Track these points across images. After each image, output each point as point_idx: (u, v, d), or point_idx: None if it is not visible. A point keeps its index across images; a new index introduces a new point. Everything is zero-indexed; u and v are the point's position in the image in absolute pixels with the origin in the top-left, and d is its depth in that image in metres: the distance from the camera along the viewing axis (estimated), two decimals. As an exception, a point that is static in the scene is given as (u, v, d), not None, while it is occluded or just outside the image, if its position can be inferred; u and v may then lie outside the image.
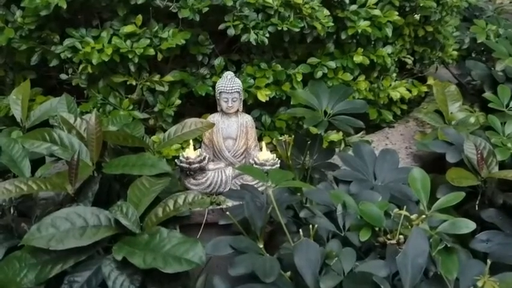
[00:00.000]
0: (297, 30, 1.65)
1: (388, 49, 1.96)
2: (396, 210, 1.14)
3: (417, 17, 2.05)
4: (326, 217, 1.20)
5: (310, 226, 1.16)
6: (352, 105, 1.57)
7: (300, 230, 1.16)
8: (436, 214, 1.14)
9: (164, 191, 1.18)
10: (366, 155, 1.41)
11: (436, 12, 2.01)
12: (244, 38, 1.65)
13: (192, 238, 1.04)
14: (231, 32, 1.63)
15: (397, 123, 2.17)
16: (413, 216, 1.14)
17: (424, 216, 1.13)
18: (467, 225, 1.08)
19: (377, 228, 1.12)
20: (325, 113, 1.58)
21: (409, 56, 2.09)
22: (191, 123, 1.39)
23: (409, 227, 1.13)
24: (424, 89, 2.14)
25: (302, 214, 1.26)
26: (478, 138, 1.47)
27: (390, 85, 2.02)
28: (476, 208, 1.40)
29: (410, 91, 2.09)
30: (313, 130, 1.57)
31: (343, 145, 1.94)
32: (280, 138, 1.48)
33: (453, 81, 2.62)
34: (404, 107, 2.18)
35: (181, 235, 1.05)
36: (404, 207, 1.14)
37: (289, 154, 1.50)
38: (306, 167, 1.65)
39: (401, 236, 1.11)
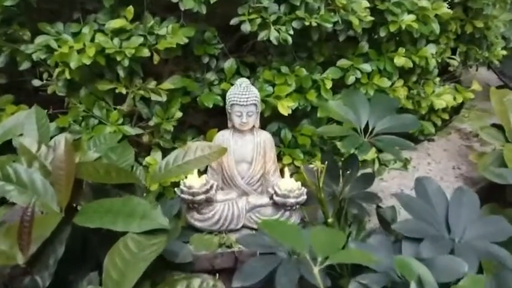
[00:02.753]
0: (329, 26, 1.31)
1: (432, 48, 1.62)
2: None
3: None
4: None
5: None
6: (400, 121, 1.24)
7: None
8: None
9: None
10: (434, 196, 1.07)
11: (488, 4, 1.67)
12: (262, 35, 1.31)
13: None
14: (246, 28, 1.30)
15: (437, 136, 1.84)
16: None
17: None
18: None
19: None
20: (365, 130, 1.24)
21: (454, 57, 1.75)
22: (196, 148, 1.05)
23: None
24: (470, 95, 1.80)
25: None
26: None
27: (433, 92, 1.68)
28: None
29: (454, 98, 1.76)
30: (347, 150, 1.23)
31: (377, 164, 1.62)
32: (311, 165, 1.15)
33: (492, 83, 2.30)
34: (446, 116, 1.85)
35: None
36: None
37: (321, 185, 1.17)
38: (340, 198, 1.31)
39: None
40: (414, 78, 1.68)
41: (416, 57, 1.56)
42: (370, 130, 1.23)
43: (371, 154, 1.54)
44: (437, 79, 1.71)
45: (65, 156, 0.90)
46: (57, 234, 0.86)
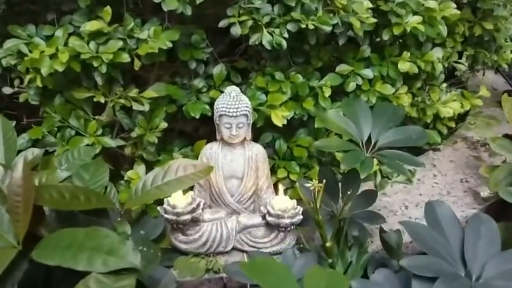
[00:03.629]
0: (328, 28, 1.19)
1: (438, 52, 1.50)
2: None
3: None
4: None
5: None
6: (405, 134, 1.12)
7: None
8: None
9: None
10: (447, 224, 0.95)
11: (499, 5, 1.55)
12: (254, 39, 1.19)
13: None
14: (236, 31, 1.18)
15: (442, 145, 1.72)
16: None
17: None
18: None
19: None
20: (367, 143, 1.13)
21: (462, 61, 1.63)
22: (178, 167, 0.93)
23: None
24: (479, 102, 1.69)
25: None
26: None
27: (439, 99, 1.57)
28: None
29: (461, 105, 1.64)
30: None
31: (379, 177, 1.50)
32: (308, 184, 1.03)
33: (499, 88, 2.19)
34: (452, 124, 1.73)
35: None
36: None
37: (318, 205, 1.05)
38: (339, 218, 1.20)
39: None
40: (419, 84, 1.57)
41: (421, 62, 1.44)
42: (372, 144, 1.12)
43: (374, 167, 1.42)
44: (444, 85, 1.59)
45: (23, 179, 0.78)
46: (12, 271, 0.74)
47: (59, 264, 0.71)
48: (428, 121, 1.57)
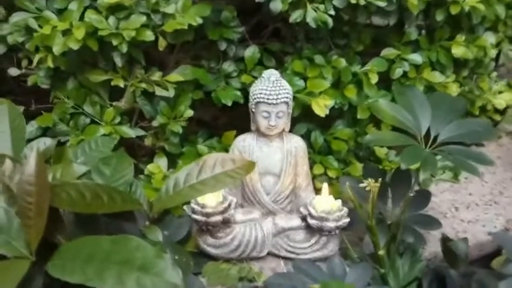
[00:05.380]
0: (383, 4, 1.04)
1: (490, 37, 1.35)
2: None
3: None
4: None
5: None
6: (470, 127, 0.98)
7: None
8: None
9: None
10: None
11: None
12: (295, 16, 1.04)
13: None
14: (277, 6, 1.03)
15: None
16: None
17: None
18: None
19: None
20: (426, 138, 0.98)
21: (513, 48, 1.48)
22: (215, 162, 0.79)
23: None
24: (527, 93, 1.54)
25: None
26: None
27: (489, 88, 1.42)
28: None
29: (510, 96, 1.50)
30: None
31: (422, 174, 1.36)
32: (363, 184, 0.89)
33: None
34: (498, 117, 1.58)
35: None
36: None
37: (371, 210, 0.91)
38: (389, 222, 1.06)
39: None
40: (466, 73, 1.42)
41: (473, 47, 1.29)
42: (432, 138, 0.97)
43: (415, 162, 1.28)
44: (494, 74, 1.44)
45: (36, 176, 0.64)
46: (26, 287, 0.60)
47: (80, 282, 0.57)
48: (477, 113, 1.43)
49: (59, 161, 0.89)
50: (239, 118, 1.20)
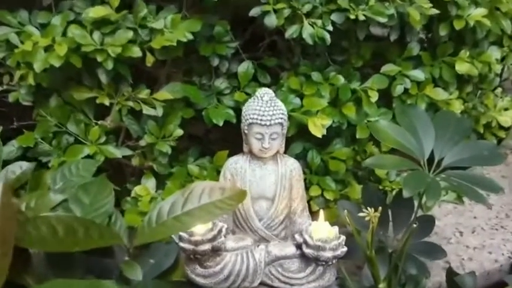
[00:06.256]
0: (383, 20, 0.99)
1: (495, 52, 1.29)
2: None
3: None
4: None
5: None
6: (476, 151, 0.92)
7: None
8: None
9: None
10: None
11: None
12: (291, 32, 0.99)
13: None
14: (271, 21, 0.97)
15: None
16: None
17: None
18: None
19: None
20: (429, 161, 0.92)
21: (520, 63, 1.42)
22: (202, 191, 0.73)
23: None
24: (532, 109, 1.48)
25: None
26: None
27: (495, 105, 1.36)
28: None
29: (515, 113, 1.44)
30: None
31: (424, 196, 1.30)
32: (362, 213, 0.83)
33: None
34: (502, 134, 1.52)
35: None
36: None
37: (370, 241, 0.85)
38: (390, 251, 1.00)
39: None
40: (469, 89, 1.36)
41: (478, 63, 1.24)
42: (435, 162, 0.92)
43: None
44: (499, 90, 1.39)
45: (1, 209, 0.58)
46: None
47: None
48: (481, 131, 1.37)
49: (37, 187, 0.84)
50: (233, 133, 1.14)
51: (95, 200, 0.78)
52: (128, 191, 1.13)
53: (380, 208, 0.84)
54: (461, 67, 1.17)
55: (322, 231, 0.95)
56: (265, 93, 0.96)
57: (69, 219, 0.66)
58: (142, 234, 0.72)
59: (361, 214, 0.83)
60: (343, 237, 0.96)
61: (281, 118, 0.95)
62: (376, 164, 0.90)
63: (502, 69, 1.51)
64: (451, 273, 0.86)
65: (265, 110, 0.94)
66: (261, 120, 0.94)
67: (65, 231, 0.64)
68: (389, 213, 1.02)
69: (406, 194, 0.81)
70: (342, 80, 1.11)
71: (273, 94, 0.97)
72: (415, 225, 0.86)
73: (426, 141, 0.92)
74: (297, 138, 1.17)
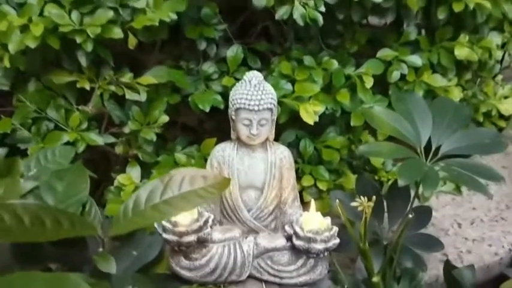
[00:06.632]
0: (378, 0, 0.94)
1: (496, 38, 1.24)
2: None
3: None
4: None
5: None
6: (476, 138, 0.87)
7: None
8: None
9: None
10: None
11: None
12: (281, 13, 0.94)
13: None
14: (260, 2, 0.92)
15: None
16: None
17: None
18: None
19: None
20: (426, 150, 0.87)
21: (521, 49, 1.37)
22: (182, 178, 0.68)
23: None
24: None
25: None
26: None
27: (495, 94, 1.31)
28: None
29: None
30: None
31: (421, 186, 1.25)
32: (355, 203, 0.78)
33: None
34: (503, 123, 1.48)
35: None
36: None
37: (363, 233, 0.80)
38: (385, 243, 0.95)
39: None
40: (469, 76, 1.31)
41: (478, 49, 1.19)
42: (433, 150, 0.87)
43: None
44: (500, 77, 1.34)
45: (-41, 198, 0.53)
46: None
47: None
48: (481, 120, 1.32)
49: (8, 174, 0.78)
50: (227, 122, 1.09)
51: (69, 188, 0.73)
52: (113, 181, 1.08)
53: (374, 197, 0.79)
54: (461, 52, 1.12)
55: (314, 222, 0.90)
56: (253, 77, 0.91)
57: (36, 208, 0.61)
58: (118, 224, 0.67)
59: (353, 204, 0.78)
60: (335, 229, 0.91)
61: (270, 103, 0.90)
62: (370, 151, 0.85)
63: (503, 56, 1.46)
64: (448, 267, 0.82)
65: (253, 94, 0.89)
66: (248, 105, 0.88)
67: (31, 220, 0.59)
68: (384, 203, 0.97)
69: (401, 182, 0.77)
70: (335, 64, 1.06)
71: (262, 78, 0.92)
72: (410, 216, 0.81)
73: (423, 128, 0.87)
74: (289, 126, 1.12)
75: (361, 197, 0.78)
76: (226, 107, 1.02)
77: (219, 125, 1.26)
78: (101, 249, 0.67)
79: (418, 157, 0.83)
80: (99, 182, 1.11)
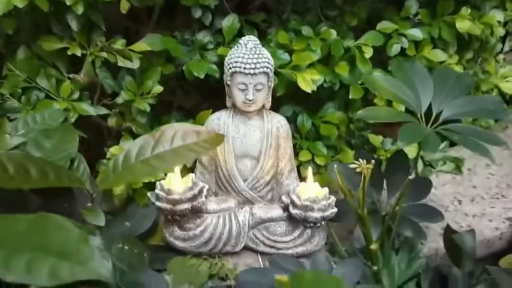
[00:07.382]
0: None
1: (498, 15, 1.22)
2: None
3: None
4: None
5: None
6: (478, 104, 0.85)
7: None
8: None
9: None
10: None
11: None
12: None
13: None
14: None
15: (491, 129, 1.44)
16: None
17: None
18: None
19: None
20: (427, 116, 0.85)
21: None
22: (174, 134, 0.66)
23: None
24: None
25: None
26: None
27: (496, 72, 1.29)
28: None
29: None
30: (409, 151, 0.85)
31: (420, 165, 1.23)
32: (353, 164, 0.75)
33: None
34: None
35: None
36: None
37: (362, 198, 0.77)
38: (384, 213, 0.93)
39: None
40: (470, 55, 1.29)
41: (480, 25, 1.16)
42: (434, 116, 0.84)
43: (413, 151, 1.15)
44: (501, 56, 1.31)
45: None
46: None
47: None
48: (482, 98, 1.29)
49: (-7, 134, 0.75)
50: (223, 105, 1.07)
51: (58, 145, 0.70)
52: (105, 155, 1.05)
53: (373, 162, 0.77)
54: (462, 25, 1.10)
55: (311, 191, 0.87)
56: (249, 40, 0.88)
57: (21, 157, 0.58)
58: (107, 179, 0.64)
59: (352, 165, 0.75)
60: (332, 198, 0.89)
61: (266, 67, 0.87)
62: (369, 115, 0.83)
63: (505, 37, 1.44)
64: (448, 232, 0.79)
65: (249, 57, 0.86)
66: (244, 68, 0.86)
67: (16, 169, 0.57)
68: (384, 179, 0.94)
69: (401, 144, 0.74)
70: (334, 34, 1.03)
71: (258, 41, 0.90)
72: (410, 177, 0.78)
73: (424, 94, 0.85)
74: (287, 100, 1.10)
75: (360, 160, 0.75)
76: (222, 79, 1.00)
77: (214, 108, 1.24)
78: (89, 204, 0.64)
79: (418, 122, 0.81)
80: (93, 161, 1.09)
